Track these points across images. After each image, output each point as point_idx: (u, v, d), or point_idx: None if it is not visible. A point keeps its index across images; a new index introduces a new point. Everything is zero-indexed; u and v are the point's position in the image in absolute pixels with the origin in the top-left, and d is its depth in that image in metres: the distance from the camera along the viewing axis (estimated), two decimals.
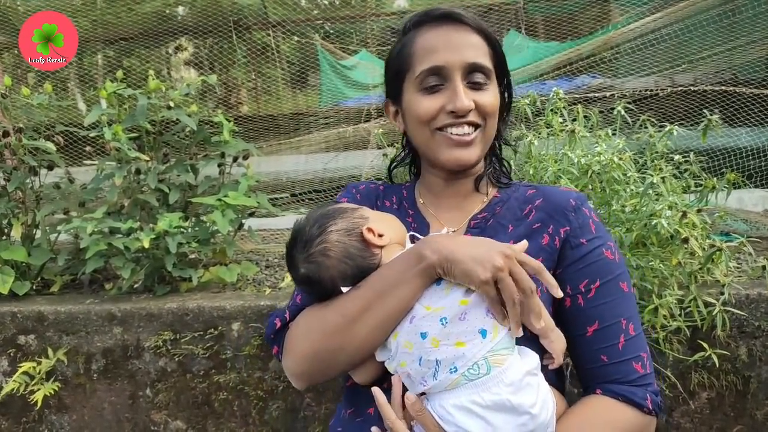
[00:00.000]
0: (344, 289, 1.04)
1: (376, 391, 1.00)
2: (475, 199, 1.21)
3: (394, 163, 1.38)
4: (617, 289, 1.07)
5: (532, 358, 0.97)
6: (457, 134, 1.10)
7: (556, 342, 1.00)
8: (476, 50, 1.09)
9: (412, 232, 1.11)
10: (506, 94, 1.22)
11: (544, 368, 1.01)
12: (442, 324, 0.93)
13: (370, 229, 1.04)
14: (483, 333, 0.93)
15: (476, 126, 1.11)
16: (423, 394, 0.98)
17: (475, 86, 1.10)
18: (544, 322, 0.96)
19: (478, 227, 1.15)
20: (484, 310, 0.95)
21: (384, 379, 1.05)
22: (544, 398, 0.95)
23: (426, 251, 0.97)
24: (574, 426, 0.99)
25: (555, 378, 1.07)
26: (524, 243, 0.99)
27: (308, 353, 1.04)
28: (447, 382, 0.93)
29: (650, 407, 1.02)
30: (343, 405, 1.16)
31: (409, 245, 1.08)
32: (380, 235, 1.04)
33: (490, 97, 1.11)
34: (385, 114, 1.27)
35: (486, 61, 1.10)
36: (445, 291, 0.96)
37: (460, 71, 1.08)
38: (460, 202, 1.20)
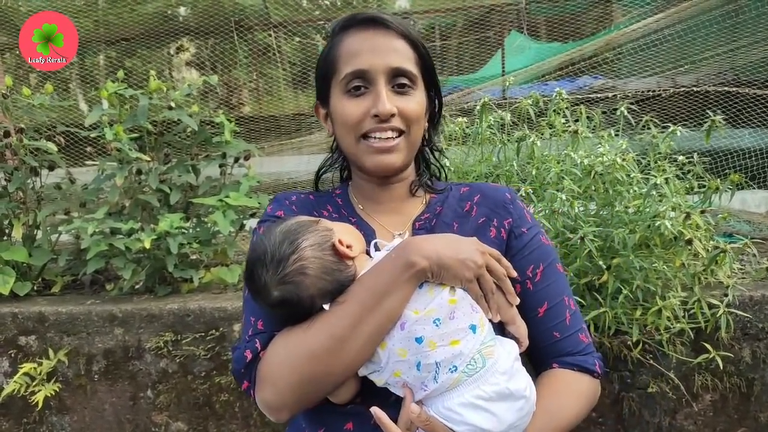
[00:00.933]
0: (325, 307, 0.99)
1: (376, 411, 0.96)
2: (414, 201, 1.22)
3: (324, 168, 1.34)
4: (556, 271, 1.16)
5: (512, 345, 1.01)
6: (379, 139, 1.10)
7: (522, 328, 1.05)
8: (400, 55, 1.10)
9: (376, 240, 1.10)
10: (436, 101, 1.23)
11: None
12: (436, 325, 0.93)
13: (340, 241, 1.00)
14: (473, 328, 0.95)
15: (400, 132, 1.11)
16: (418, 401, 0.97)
17: (400, 91, 1.10)
18: (518, 300, 1.04)
19: (423, 228, 1.15)
20: (468, 306, 0.97)
21: (357, 395, 1.03)
22: (529, 380, 0.99)
23: (414, 257, 0.96)
24: (547, 400, 1.04)
25: None
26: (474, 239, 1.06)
27: (293, 381, 0.96)
28: (449, 382, 0.93)
29: (599, 371, 1.12)
30: (308, 426, 1.10)
31: (374, 252, 1.06)
32: (349, 246, 1.01)
33: (413, 103, 1.11)
34: (316, 116, 1.27)
35: (411, 66, 1.11)
36: (429, 293, 0.96)
37: (383, 75, 1.08)
38: (399, 205, 1.21)
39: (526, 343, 1.05)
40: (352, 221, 1.18)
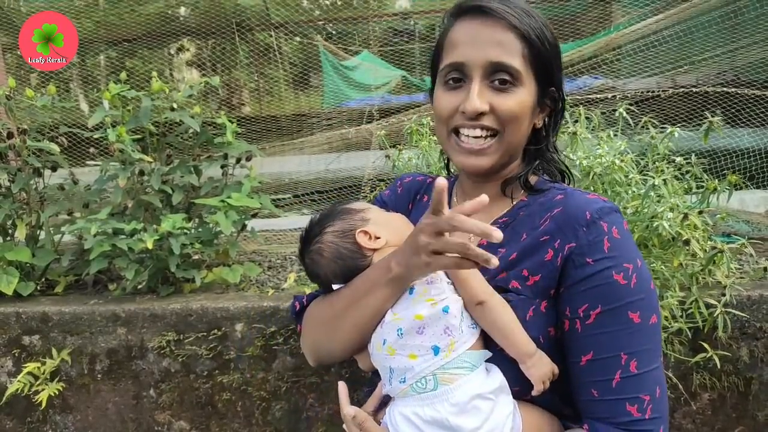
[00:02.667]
0: (335, 286, 1.13)
1: (340, 385, 1.08)
2: (503, 202, 1.12)
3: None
4: (623, 319, 0.95)
5: (492, 381, 0.95)
6: (467, 138, 1.03)
7: (533, 369, 0.95)
8: (503, 48, 0.99)
9: None
10: (558, 99, 1.11)
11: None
12: (398, 335, 0.97)
13: (365, 232, 1.08)
14: (435, 350, 0.94)
15: (493, 132, 1.02)
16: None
17: (500, 87, 1.00)
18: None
19: None
20: (442, 327, 0.95)
21: None
22: (495, 424, 0.92)
23: (392, 263, 0.99)
24: None
25: (559, 400, 1.03)
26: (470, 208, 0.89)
27: (310, 339, 1.17)
28: (397, 389, 0.97)
29: None
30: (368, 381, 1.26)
31: None
32: (376, 238, 1.08)
33: (512, 101, 1.00)
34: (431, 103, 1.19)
35: (515, 61, 0.99)
36: (413, 301, 0.98)
37: (480, 69, 1.00)
38: (489, 204, 1.10)
39: (538, 387, 0.96)
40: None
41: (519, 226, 1.07)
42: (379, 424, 1.03)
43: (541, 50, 1.02)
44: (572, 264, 0.97)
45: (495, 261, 0.84)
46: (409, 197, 1.27)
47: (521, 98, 1.01)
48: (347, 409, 1.01)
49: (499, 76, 1.00)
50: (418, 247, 0.90)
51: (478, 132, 1.02)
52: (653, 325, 0.97)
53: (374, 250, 1.07)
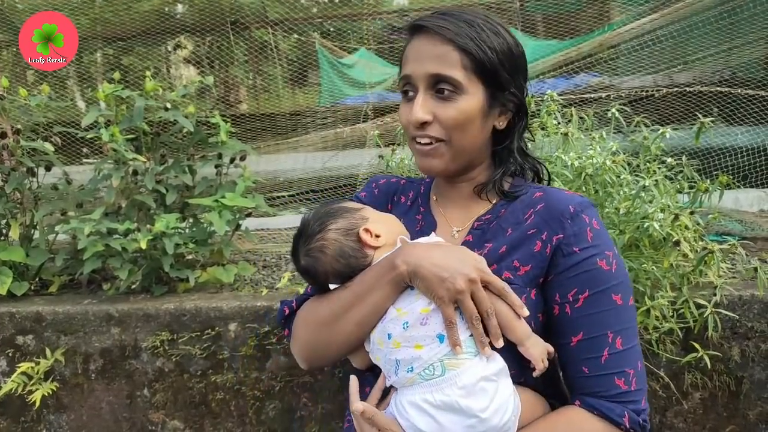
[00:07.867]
0: (332, 286, 1.13)
1: (352, 379, 1.09)
2: (481, 202, 1.20)
3: None
4: (608, 301, 1.05)
5: (494, 365, 1.00)
6: (420, 145, 1.13)
7: (533, 348, 1.02)
8: (441, 61, 1.06)
9: (401, 236, 1.13)
10: (517, 101, 1.15)
11: (531, 372, 1.04)
12: (404, 328, 1.01)
13: (367, 230, 1.10)
14: (440, 338, 0.99)
15: (439, 140, 1.10)
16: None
17: (442, 97, 1.08)
18: (502, 343, 1.00)
19: (480, 228, 1.16)
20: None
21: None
22: (500, 404, 0.97)
23: (397, 261, 1.02)
24: None
25: (543, 383, 1.09)
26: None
27: (306, 341, 1.14)
28: (404, 379, 1.00)
29: (627, 426, 1.01)
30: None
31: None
32: (377, 236, 1.10)
33: (453, 110, 1.07)
34: None
35: (455, 71, 1.06)
36: (416, 296, 1.03)
37: (423, 82, 1.09)
38: (466, 202, 1.21)
39: (539, 366, 1.02)
40: (422, 211, 1.26)
41: (503, 222, 1.15)
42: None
43: (482, 58, 1.07)
44: (561, 253, 1.06)
45: (525, 311, 1.02)
46: (387, 199, 1.32)
47: (463, 106, 1.08)
48: (356, 405, 1.03)
49: (441, 86, 1.08)
50: (454, 285, 0.97)
51: (426, 140, 1.11)
52: (631, 306, 1.07)
53: (375, 248, 1.10)
